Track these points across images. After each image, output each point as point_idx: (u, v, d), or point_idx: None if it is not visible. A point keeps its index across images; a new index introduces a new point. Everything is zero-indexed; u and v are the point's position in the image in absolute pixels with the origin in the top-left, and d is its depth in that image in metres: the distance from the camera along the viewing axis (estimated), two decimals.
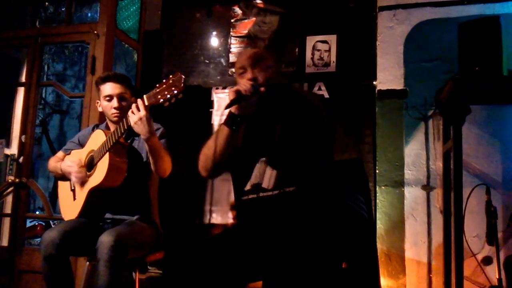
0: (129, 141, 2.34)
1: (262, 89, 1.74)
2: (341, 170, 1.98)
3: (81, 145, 2.45)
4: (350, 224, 1.69)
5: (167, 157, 2.20)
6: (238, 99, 1.69)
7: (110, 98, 2.31)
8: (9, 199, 3.34)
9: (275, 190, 1.71)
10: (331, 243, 1.60)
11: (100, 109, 2.41)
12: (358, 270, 1.68)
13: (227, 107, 1.71)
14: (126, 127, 2.09)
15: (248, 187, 1.77)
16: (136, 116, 2.02)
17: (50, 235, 2.10)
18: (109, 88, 2.31)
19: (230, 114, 1.72)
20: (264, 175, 1.75)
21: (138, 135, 2.18)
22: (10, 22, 3.73)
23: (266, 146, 1.78)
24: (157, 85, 1.94)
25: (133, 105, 2.05)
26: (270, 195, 1.72)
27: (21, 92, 3.48)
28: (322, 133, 1.78)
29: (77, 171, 2.25)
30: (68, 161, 2.33)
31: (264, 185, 1.73)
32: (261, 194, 1.72)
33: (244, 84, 1.73)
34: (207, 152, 1.78)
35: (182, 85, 1.87)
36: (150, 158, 2.15)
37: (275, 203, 1.71)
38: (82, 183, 2.26)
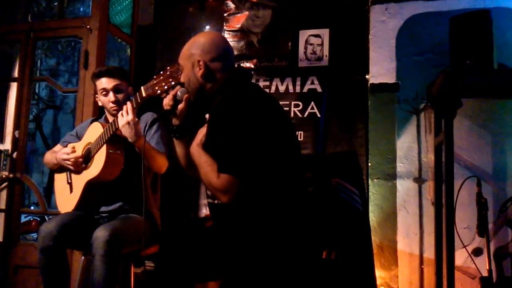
0: None
1: (184, 100, 1.66)
2: (335, 162, 1.99)
3: (79, 138, 2.46)
4: (345, 216, 1.70)
5: (159, 155, 2.21)
6: (163, 114, 1.73)
7: (106, 92, 2.33)
8: (3, 194, 3.33)
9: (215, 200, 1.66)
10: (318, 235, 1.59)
11: (100, 104, 2.43)
12: (353, 262, 1.69)
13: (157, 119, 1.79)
14: None
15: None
16: (124, 119, 2.08)
17: (48, 227, 2.12)
18: (103, 82, 2.34)
19: (172, 128, 1.71)
20: None
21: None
22: (2, 17, 3.70)
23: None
24: (155, 76, 1.95)
25: (124, 107, 2.10)
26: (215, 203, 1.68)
27: (14, 87, 3.47)
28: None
29: (73, 158, 2.26)
30: (64, 150, 2.33)
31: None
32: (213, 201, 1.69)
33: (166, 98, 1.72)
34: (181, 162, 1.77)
35: (180, 76, 1.88)
36: (143, 159, 2.17)
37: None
38: (79, 173, 2.27)
